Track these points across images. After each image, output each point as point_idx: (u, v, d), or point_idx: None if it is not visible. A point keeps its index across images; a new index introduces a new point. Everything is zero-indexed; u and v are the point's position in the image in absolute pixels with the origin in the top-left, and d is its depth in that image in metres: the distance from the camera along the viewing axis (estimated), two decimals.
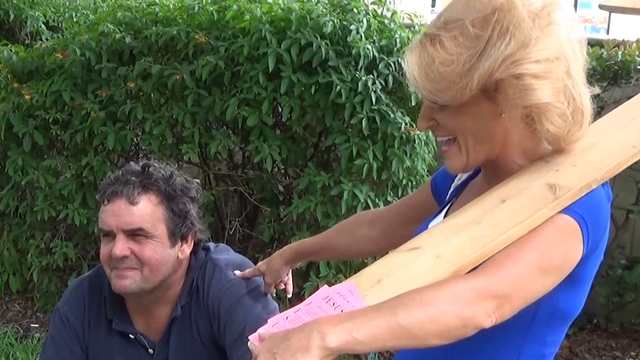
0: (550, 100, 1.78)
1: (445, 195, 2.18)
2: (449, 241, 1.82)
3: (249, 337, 1.71)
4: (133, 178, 2.51)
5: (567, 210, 1.78)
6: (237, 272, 2.63)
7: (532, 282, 1.72)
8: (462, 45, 1.77)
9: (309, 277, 4.85)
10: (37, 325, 5.52)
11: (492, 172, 1.95)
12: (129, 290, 2.52)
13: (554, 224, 1.76)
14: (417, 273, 1.77)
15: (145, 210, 2.49)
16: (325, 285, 1.83)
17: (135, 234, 2.49)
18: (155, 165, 2.58)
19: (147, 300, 2.60)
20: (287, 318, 1.75)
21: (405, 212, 2.39)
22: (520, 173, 1.88)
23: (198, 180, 2.68)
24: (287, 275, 2.66)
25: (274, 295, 2.69)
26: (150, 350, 2.65)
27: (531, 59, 1.76)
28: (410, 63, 1.82)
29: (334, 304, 1.76)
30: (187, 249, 2.59)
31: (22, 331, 5.46)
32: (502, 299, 1.67)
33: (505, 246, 1.74)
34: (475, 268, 1.74)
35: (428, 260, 1.80)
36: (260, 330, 1.71)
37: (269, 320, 1.77)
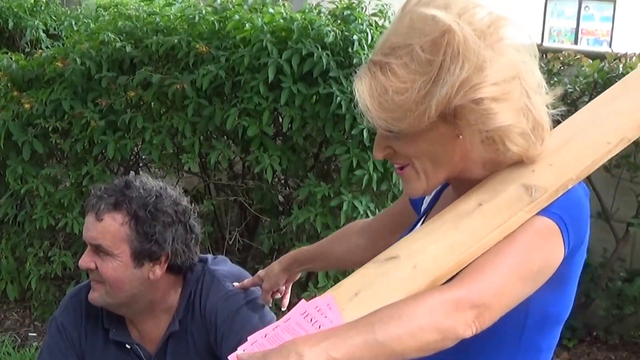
0: (512, 121, 1.75)
1: (421, 204, 2.15)
2: (425, 249, 1.79)
3: (229, 357, 1.69)
4: (105, 195, 2.52)
5: (544, 212, 1.74)
6: (236, 284, 2.62)
7: (511, 288, 1.69)
8: (415, 71, 1.72)
9: (307, 287, 4.85)
10: (35, 334, 5.51)
11: (458, 185, 1.91)
12: (95, 303, 2.57)
13: (532, 227, 1.73)
14: (394, 285, 1.75)
15: (108, 228, 2.50)
16: (303, 300, 1.80)
17: (98, 249, 2.51)
18: (137, 184, 2.56)
19: (129, 313, 2.62)
20: (265, 336, 1.73)
21: (387, 222, 2.37)
22: (497, 174, 1.85)
23: (190, 206, 2.64)
24: (285, 285, 2.65)
25: (271, 304, 2.68)
26: None
27: (488, 82, 1.71)
28: (362, 93, 1.76)
29: (311, 319, 1.73)
30: (159, 270, 2.56)
31: (19, 340, 5.44)
32: (481, 307, 1.64)
33: (482, 253, 1.72)
34: (453, 277, 1.72)
35: (405, 271, 1.77)
36: (239, 351, 1.69)
37: (248, 338, 1.74)
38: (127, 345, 2.63)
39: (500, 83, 1.73)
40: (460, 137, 1.78)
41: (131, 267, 2.51)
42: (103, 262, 2.50)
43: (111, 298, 2.53)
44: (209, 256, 2.72)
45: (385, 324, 1.60)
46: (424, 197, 2.12)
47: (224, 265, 2.71)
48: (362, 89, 1.77)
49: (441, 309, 1.62)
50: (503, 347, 1.86)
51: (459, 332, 1.63)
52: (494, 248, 1.72)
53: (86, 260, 2.52)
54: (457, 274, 1.71)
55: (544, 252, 1.73)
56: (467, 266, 1.71)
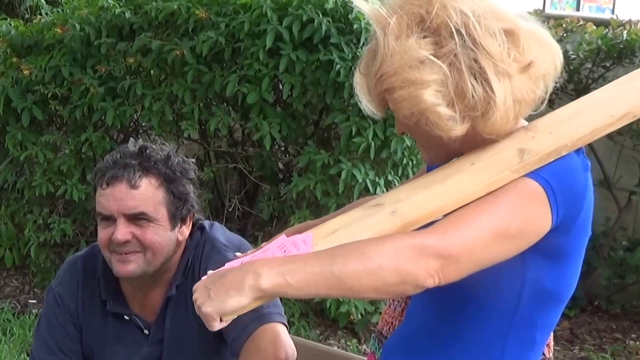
0: (427, 105, 1.75)
1: None
2: (409, 199, 1.82)
3: (202, 278, 1.75)
4: (132, 161, 2.45)
5: (532, 175, 1.73)
6: (238, 254, 2.59)
7: (484, 246, 1.68)
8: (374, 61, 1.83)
9: None
10: (34, 301, 5.53)
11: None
12: (132, 274, 2.49)
13: (516, 188, 1.73)
14: (367, 227, 1.78)
15: (147, 193, 2.44)
16: (284, 235, 1.89)
17: (137, 217, 2.44)
18: (153, 146, 2.53)
19: (146, 282, 2.57)
20: (242, 263, 1.77)
21: None
22: (500, 140, 1.84)
23: (193, 160, 2.63)
24: None
25: None
26: (146, 331, 2.62)
27: (389, 73, 1.76)
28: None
29: (284, 251, 1.81)
30: (186, 230, 2.56)
31: (19, 307, 5.46)
32: (448, 259, 1.64)
33: (461, 205, 1.72)
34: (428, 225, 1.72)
35: (383, 215, 1.80)
36: (210, 272, 1.75)
37: (226, 265, 1.82)
38: (125, 317, 2.61)
39: (401, 72, 1.75)
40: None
41: (169, 229, 2.49)
42: (143, 230, 2.44)
43: (150, 266, 2.48)
44: (206, 223, 2.69)
45: (346, 258, 1.63)
46: None
47: (222, 233, 2.69)
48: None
49: (405, 252, 1.63)
50: (496, 318, 1.85)
51: (419, 279, 1.63)
52: (473, 203, 1.72)
53: (124, 232, 2.42)
54: (431, 223, 1.72)
55: (525, 213, 1.72)
56: (443, 217, 1.72)
